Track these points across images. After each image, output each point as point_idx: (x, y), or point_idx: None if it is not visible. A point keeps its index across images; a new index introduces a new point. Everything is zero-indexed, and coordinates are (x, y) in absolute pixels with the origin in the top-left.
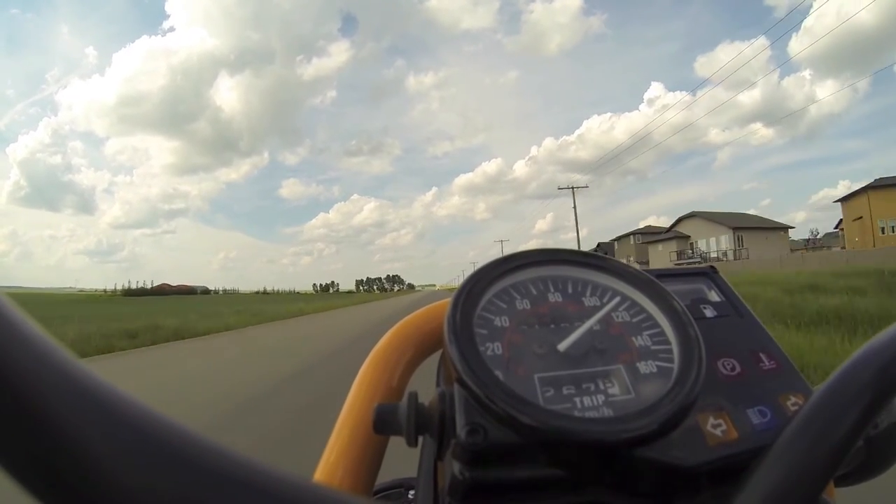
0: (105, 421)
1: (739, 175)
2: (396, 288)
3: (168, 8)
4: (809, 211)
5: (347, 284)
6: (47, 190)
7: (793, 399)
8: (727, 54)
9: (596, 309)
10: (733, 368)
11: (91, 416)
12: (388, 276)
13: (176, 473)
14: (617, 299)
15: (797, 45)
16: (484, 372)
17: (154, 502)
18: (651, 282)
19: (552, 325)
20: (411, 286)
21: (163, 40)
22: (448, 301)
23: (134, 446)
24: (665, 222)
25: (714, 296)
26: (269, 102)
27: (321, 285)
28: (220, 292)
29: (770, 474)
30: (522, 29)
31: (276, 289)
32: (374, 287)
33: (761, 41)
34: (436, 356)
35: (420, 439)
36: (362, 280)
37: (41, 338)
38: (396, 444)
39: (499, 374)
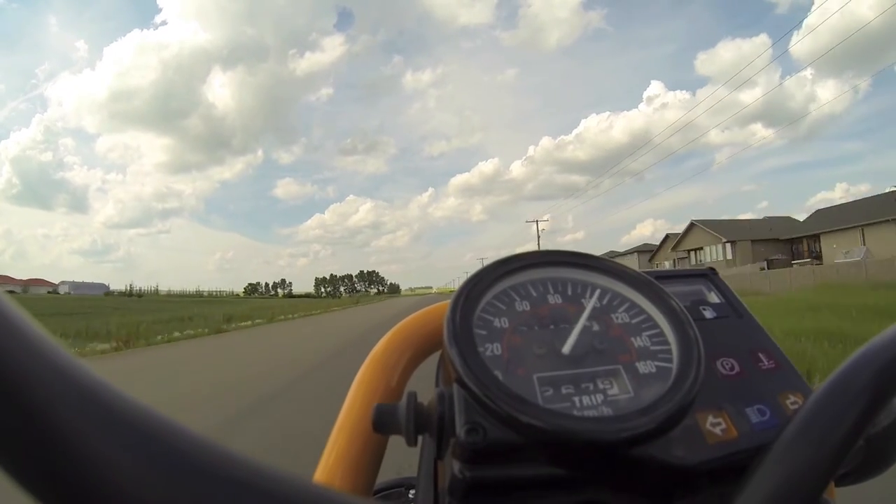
0: (105, 421)
1: (738, 177)
2: (374, 290)
3: (160, 1)
4: (806, 214)
5: (306, 286)
6: (39, 188)
7: (792, 398)
8: (728, 53)
9: (595, 309)
10: (732, 368)
11: (91, 416)
12: (363, 272)
13: (175, 473)
14: (614, 298)
15: (798, 43)
16: (483, 372)
17: (154, 502)
18: (650, 283)
19: (551, 327)
20: (395, 289)
21: (155, 34)
22: (447, 303)
23: (134, 446)
24: (662, 226)
25: (713, 297)
26: (262, 99)
27: (271, 285)
28: (137, 293)
29: (770, 474)
30: (520, 23)
31: (185, 289)
32: (341, 289)
33: (763, 39)
34: (434, 357)
35: (420, 439)
36: (324, 279)
37: (42, 338)
38: (397, 444)
39: (498, 374)
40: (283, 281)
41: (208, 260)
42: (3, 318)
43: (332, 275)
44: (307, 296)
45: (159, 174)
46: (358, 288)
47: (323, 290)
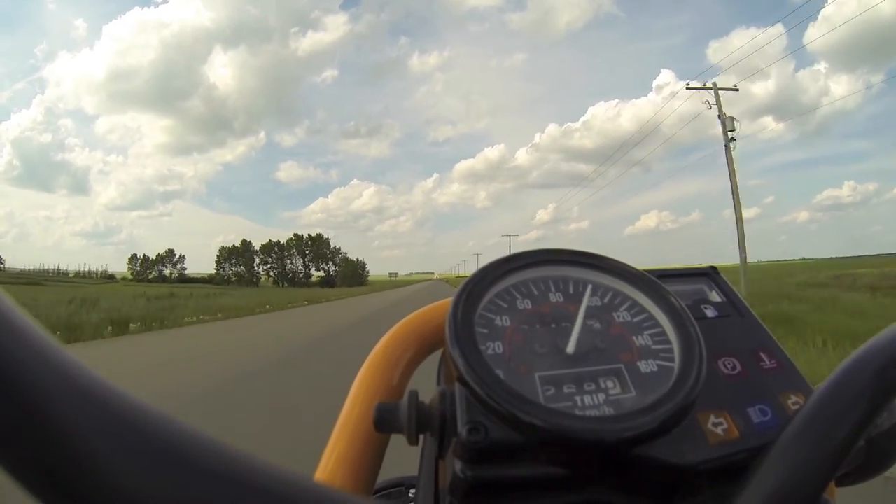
0: (105, 419)
1: (744, 171)
2: (317, 273)
3: None
4: (812, 211)
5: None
6: (40, 169)
7: (793, 398)
8: (741, 42)
9: (596, 308)
10: (734, 367)
11: (91, 414)
12: (300, 236)
13: (175, 472)
14: (616, 296)
15: (814, 34)
16: (485, 371)
17: (153, 501)
18: (652, 282)
19: (553, 325)
20: (357, 273)
21: (155, 11)
22: (449, 300)
23: (133, 445)
24: (667, 217)
25: (715, 296)
26: (264, 80)
27: (153, 257)
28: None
29: (771, 474)
30: (530, 5)
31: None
32: (260, 269)
33: (777, 29)
34: (436, 355)
35: (421, 438)
36: (233, 248)
37: (41, 336)
38: (398, 443)
39: (499, 372)
40: (171, 252)
41: (211, 242)
42: (1, 317)
43: (245, 241)
44: (210, 279)
45: (160, 156)
46: (290, 267)
47: (229, 268)
